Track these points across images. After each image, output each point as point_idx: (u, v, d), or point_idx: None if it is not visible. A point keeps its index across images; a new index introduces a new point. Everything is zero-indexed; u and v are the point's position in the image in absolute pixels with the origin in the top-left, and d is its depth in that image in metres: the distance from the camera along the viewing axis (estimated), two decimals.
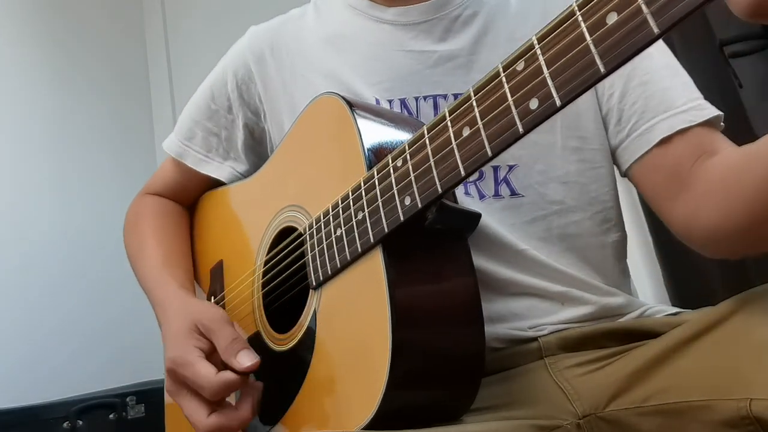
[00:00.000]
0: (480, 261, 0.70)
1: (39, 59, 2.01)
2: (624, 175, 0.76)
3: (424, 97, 0.76)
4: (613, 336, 0.68)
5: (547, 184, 0.73)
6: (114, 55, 2.23)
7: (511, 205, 0.73)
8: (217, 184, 0.92)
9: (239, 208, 0.88)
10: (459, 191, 0.72)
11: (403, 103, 0.76)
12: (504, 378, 0.68)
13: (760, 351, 0.54)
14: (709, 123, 0.70)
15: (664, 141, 0.70)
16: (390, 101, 0.76)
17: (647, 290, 1.47)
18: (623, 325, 0.70)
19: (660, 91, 0.72)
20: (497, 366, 0.69)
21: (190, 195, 0.96)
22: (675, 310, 0.73)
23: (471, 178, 0.73)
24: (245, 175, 0.90)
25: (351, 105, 0.66)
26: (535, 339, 0.69)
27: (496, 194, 0.73)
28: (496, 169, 0.73)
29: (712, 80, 1.32)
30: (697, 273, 1.35)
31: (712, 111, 0.71)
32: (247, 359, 0.65)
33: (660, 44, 0.76)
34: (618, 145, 0.74)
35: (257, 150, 0.90)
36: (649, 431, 0.60)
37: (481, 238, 0.70)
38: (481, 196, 0.73)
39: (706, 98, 0.73)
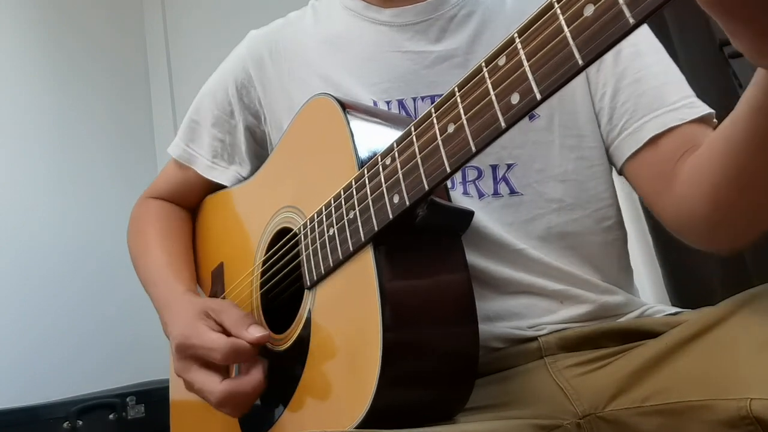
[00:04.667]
0: (479, 260, 0.70)
1: (39, 61, 2.01)
2: (620, 173, 0.76)
3: (422, 98, 0.76)
4: (612, 336, 0.68)
5: (546, 183, 0.73)
6: (114, 57, 2.23)
7: (510, 204, 0.73)
8: (219, 186, 0.92)
9: (238, 210, 0.88)
10: (458, 191, 0.73)
11: (401, 103, 0.76)
12: (504, 378, 0.68)
13: (760, 351, 0.54)
14: (700, 120, 0.70)
15: (655, 139, 0.70)
16: (388, 102, 0.76)
17: (647, 290, 1.47)
18: (623, 325, 0.70)
19: (651, 89, 0.72)
20: (497, 365, 0.69)
21: (194, 198, 0.96)
22: (675, 310, 0.73)
23: (470, 177, 0.73)
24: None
25: (343, 106, 0.66)
26: (534, 338, 0.69)
27: (495, 193, 0.73)
28: (494, 167, 0.73)
29: (712, 80, 1.32)
30: (697, 273, 1.35)
31: (703, 109, 0.71)
32: (257, 331, 0.67)
33: (652, 41, 0.76)
34: (611, 144, 0.75)
35: (260, 153, 0.91)
36: (649, 431, 0.60)
37: (480, 237, 0.70)
38: (480, 195, 0.73)
39: (705, 98, 0.73)
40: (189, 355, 0.69)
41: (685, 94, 0.72)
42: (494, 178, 0.73)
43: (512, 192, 0.73)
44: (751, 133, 0.54)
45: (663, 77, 0.73)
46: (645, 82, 0.72)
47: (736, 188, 0.59)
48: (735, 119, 0.56)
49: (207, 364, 0.68)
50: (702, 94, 0.73)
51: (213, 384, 0.66)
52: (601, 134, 0.75)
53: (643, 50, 0.74)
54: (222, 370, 0.69)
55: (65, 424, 1.43)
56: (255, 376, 0.66)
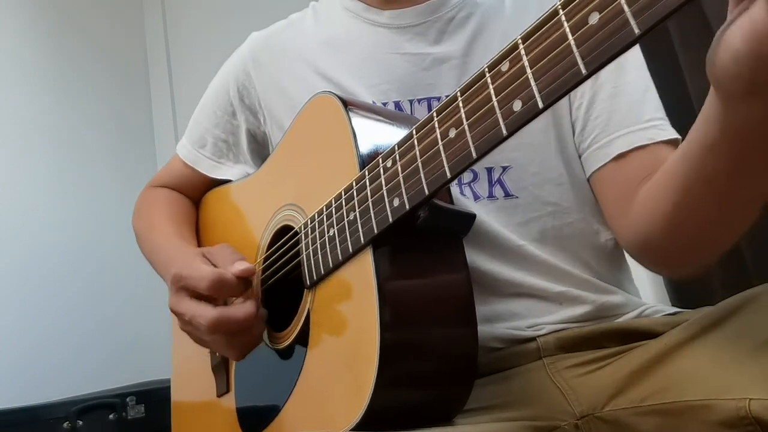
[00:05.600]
0: (479, 261, 0.70)
1: (39, 60, 2.01)
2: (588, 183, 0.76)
3: (419, 101, 0.76)
4: (611, 336, 0.68)
5: (542, 186, 0.73)
6: (114, 57, 2.23)
7: (506, 207, 0.73)
8: (222, 181, 0.93)
9: (240, 206, 0.89)
10: (454, 192, 0.72)
11: (398, 105, 0.77)
12: (502, 378, 0.68)
13: (759, 351, 0.54)
14: (668, 143, 0.70)
15: (621, 156, 0.70)
16: (384, 104, 0.77)
17: (647, 290, 1.46)
18: (622, 325, 0.70)
19: (625, 105, 0.72)
20: (496, 366, 0.69)
21: (198, 192, 0.97)
22: (674, 310, 0.73)
23: (465, 180, 0.73)
24: None
25: (346, 103, 0.66)
26: (533, 339, 0.69)
27: (490, 195, 0.73)
28: (489, 170, 0.73)
29: None
30: None
31: (672, 133, 0.71)
32: (241, 265, 0.69)
33: (637, 57, 0.75)
34: (581, 155, 0.75)
35: (262, 153, 0.92)
36: (648, 431, 0.60)
37: (479, 238, 0.70)
38: (476, 198, 0.73)
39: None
40: (181, 286, 0.71)
41: (658, 116, 0.72)
42: (489, 180, 0.73)
43: (507, 195, 0.73)
44: (704, 170, 0.54)
45: (639, 95, 0.73)
46: (620, 98, 0.72)
47: (686, 218, 0.59)
48: (687, 155, 0.56)
49: (199, 296, 0.70)
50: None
51: (205, 310, 0.68)
52: (575, 143, 0.75)
53: (625, 66, 0.74)
54: (214, 303, 0.71)
55: (65, 424, 1.43)
56: (247, 306, 0.68)
